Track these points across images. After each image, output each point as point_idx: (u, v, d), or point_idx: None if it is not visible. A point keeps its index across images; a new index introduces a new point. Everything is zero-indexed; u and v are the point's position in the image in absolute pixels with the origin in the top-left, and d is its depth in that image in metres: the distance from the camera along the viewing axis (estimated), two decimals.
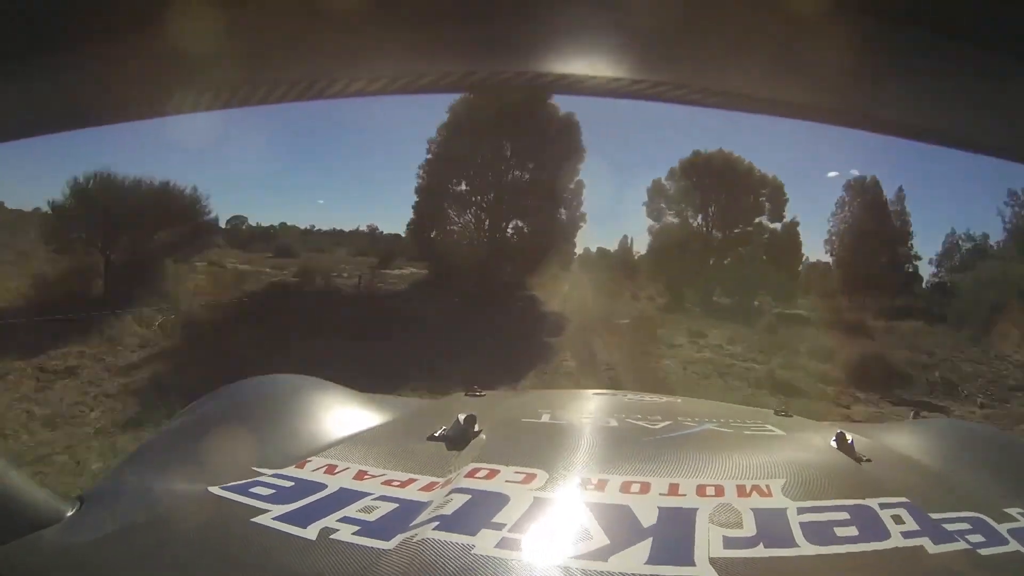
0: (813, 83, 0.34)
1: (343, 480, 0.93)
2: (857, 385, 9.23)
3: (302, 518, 0.81)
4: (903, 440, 1.27)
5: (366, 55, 0.34)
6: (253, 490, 0.89)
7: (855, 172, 22.38)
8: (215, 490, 0.89)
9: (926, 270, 21.07)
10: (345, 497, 0.87)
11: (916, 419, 1.55)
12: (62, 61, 0.37)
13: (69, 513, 0.87)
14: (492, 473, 0.92)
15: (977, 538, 0.82)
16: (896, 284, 18.57)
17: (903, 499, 0.90)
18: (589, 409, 1.52)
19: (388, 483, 0.92)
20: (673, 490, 0.88)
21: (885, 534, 0.81)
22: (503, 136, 15.91)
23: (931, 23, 0.33)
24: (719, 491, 0.88)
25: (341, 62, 0.35)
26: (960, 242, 21.16)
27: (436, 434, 1.11)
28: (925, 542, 0.79)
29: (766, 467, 0.98)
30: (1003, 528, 0.86)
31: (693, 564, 0.72)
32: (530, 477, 0.91)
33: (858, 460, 1.08)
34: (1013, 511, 0.91)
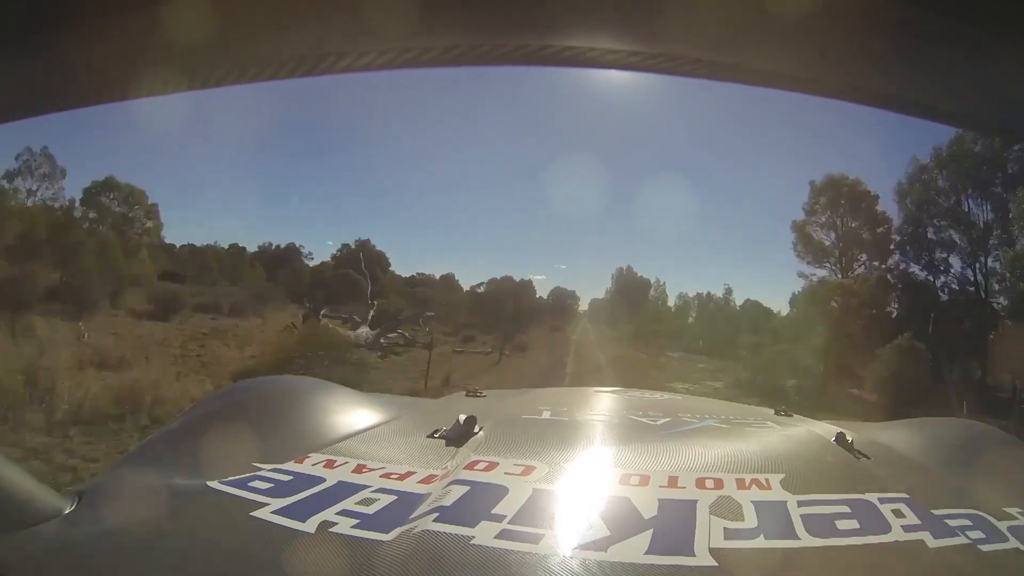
0: (818, 58, 0.35)
1: (342, 474, 0.92)
2: None
3: (301, 511, 0.81)
4: (903, 439, 1.27)
5: (373, 30, 0.35)
6: (252, 484, 0.89)
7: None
8: (214, 484, 0.88)
9: None
10: (344, 490, 0.87)
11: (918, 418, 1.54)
12: (53, 41, 0.37)
13: (67, 509, 0.87)
14: (491, 465, 0.92)
15: (977, 534, 0.82)
16: None
17: (903, 494, 0.90)
18: (590, 406, 1.52)
19: (387, 476, 0.91)
20: (672, 483, 0.88)
21: (886, 527, 0.80)
22: None
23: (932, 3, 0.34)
24: (718, 484, 0.88)
25: (349, 37, 0.36)
26: None
27: (436, 434, 1.11)
28: (926, 536, 0.79)
29: (765, 462, 0.98)
30: (1003, 525, 0.86)
31: (693, 554, 0.71)
32: (529, 469, 0.91)
33: (857, 457, 1.08)
34: (1013, 510, 0.91)
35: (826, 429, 1.28)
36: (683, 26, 0.33)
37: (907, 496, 0.89)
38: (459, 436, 1.09)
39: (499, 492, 0.84)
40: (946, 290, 15.96)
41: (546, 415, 1.30)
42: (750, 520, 0.79)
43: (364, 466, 0.95)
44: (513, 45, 0.35)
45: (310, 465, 0.96)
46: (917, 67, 0.38)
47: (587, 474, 0.93)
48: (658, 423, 1.25)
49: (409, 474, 0.92)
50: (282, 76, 0.38)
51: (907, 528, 0.81)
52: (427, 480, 0.90)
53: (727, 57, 0.36)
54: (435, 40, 0.36)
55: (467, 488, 0.84)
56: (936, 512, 0.86)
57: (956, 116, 0.44)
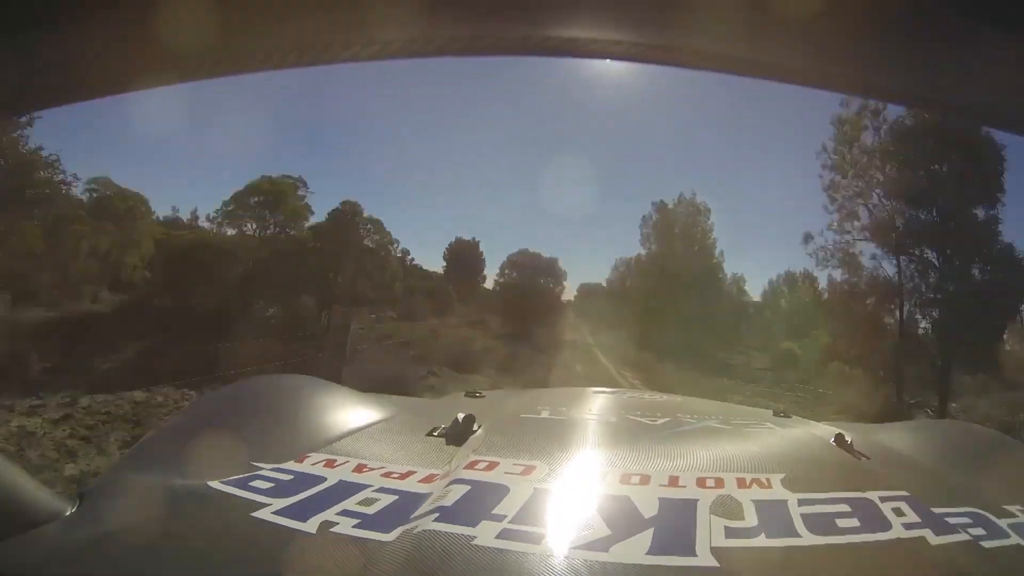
0: (812, 47, 0.36)
1: (342, 473, 0.92)
2: None
3: (302, 512, 0.80)
4: (902, 439, 1.27)
5: (377, 21, 0.36)
6: (253, 484, 0.88)
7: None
8: (215, 485, 0.88)
9: None
10: (344, 490, 0.86)
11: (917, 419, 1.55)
12: (56, 34, 0.37)
13: (68, 511, 0.86)
14: (492, 465, 0.92)
15: (978, 531, 0.82)
16: None
17: (903, 492, 0.90)
18: (589, 406, 1.52)
19: (387, 475, 0.91)
20: (673, 482, 0.88)
21: (886, 525, 0.81)
22: None
23: None
24: (719, 483, 0.88)
25: (354, 27, 0.36)
26: None
27: (435, 432, 1.11)
28: (927, 533, 0.79)
29: (766, 461, 0.98)
30: (1004, 523, 0.86)
31: (695, 554, 0.71)
32: (530, 469, 0.91)
33: (857, 457, 1.08)
34: (1013, 508, 0.91)
35: (824, 430, 1.28)
36: (689, 18, 0.33)
37: (907, 494, 0.89)
38: (458, 434, 1.08)
39: (500, 492, 0.83)
40: None
41: (545, 414, 1.30)
42: (751, 519, 0.79)
43: (365, 465, 0.95)
44: (517, 36, 0.35)
45: (310, 464, 0.95)
46: (921, 62, 0.38)
47: (588, 474, 0.92)
48: (658, 423, 1.25)
49: (410, 473, 0.92)
50: (287, 65, 0.38)
51: (907, 526, 0.81)
52: (428, 480, 0.90)
53: (733, 51, 0.36)
54: (438, 31, 0.36)
55: (468, 488, 0.84)
56: (936, 510, 0.86)
57: (962, 110, 0.44)
